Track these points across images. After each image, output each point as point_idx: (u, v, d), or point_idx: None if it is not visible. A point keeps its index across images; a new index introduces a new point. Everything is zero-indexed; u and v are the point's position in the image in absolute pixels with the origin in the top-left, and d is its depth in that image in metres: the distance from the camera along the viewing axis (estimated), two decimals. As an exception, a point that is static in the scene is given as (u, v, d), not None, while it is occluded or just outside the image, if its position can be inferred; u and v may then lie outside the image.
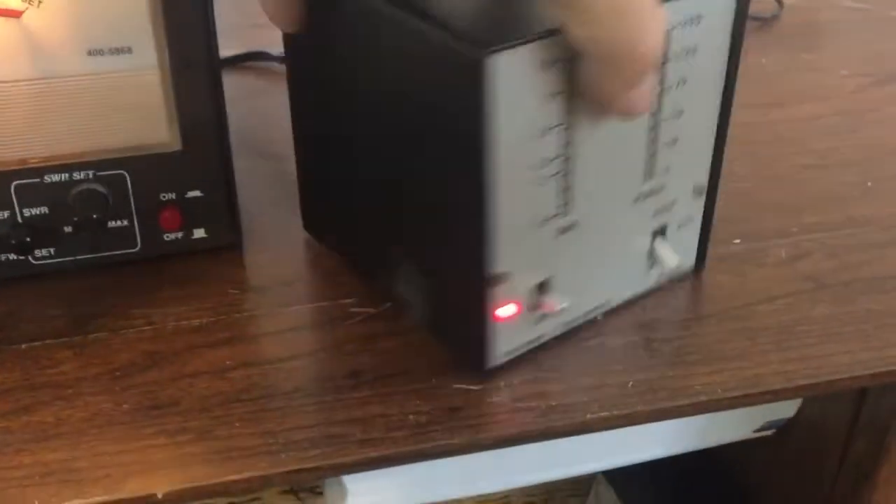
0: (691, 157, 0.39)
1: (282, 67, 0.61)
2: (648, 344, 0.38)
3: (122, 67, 0.38)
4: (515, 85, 0.31)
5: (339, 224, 0.43)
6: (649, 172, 0.37)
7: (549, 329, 0.38)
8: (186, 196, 0.41)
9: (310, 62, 0.39)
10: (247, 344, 0.38)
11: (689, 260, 0.42)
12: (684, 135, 0.38)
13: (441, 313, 0.37)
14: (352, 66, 0.36)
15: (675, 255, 0.40)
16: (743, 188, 0.49)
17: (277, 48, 0.60)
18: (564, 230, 0.35)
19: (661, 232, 0.40)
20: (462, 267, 0.35)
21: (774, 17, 0.67)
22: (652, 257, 0.40)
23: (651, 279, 0.41)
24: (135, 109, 0.39)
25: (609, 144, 0.35)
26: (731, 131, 0.54)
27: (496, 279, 0.34)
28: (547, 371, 0.37)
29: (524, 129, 0.32)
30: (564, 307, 0.36)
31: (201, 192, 0.41)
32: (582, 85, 0.32)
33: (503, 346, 0.36)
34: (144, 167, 0.40)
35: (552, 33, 0.31)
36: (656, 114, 0.36)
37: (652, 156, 0.37)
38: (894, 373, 0.37)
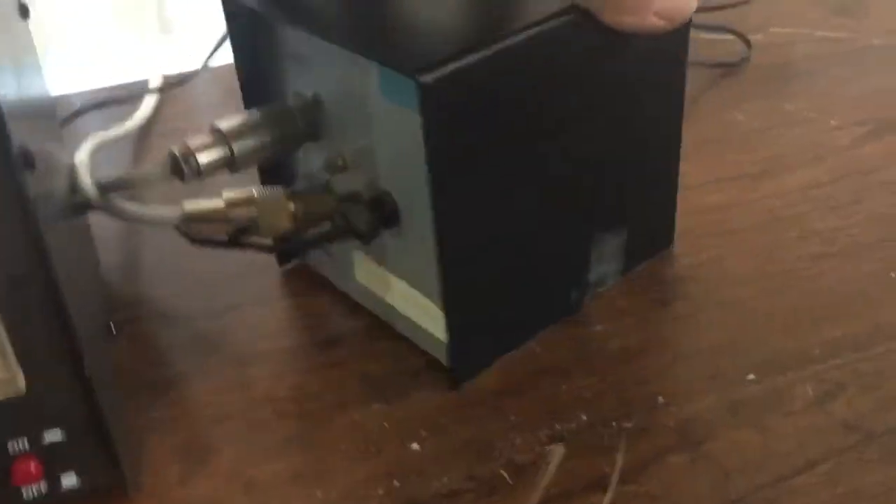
0: None
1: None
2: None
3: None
4: None
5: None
6: None
7: None
8: (43, 441, 0.32)
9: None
10: None
11: None
12: None
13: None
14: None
15: None
16: (744, 295, 0.40)
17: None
18: None
19: None
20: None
21: (744, 61, 0.58)
22: None
23: None
24: (-47, 351, 0.30)
25: None
26: (720, 215, 0.46)
27: None
28: None
29: None
30: None
31: (63, 431, 0.32)
32: None
33: None
34: (-19, 417, 0.31)
35: None
36: None
37: None
38: None
